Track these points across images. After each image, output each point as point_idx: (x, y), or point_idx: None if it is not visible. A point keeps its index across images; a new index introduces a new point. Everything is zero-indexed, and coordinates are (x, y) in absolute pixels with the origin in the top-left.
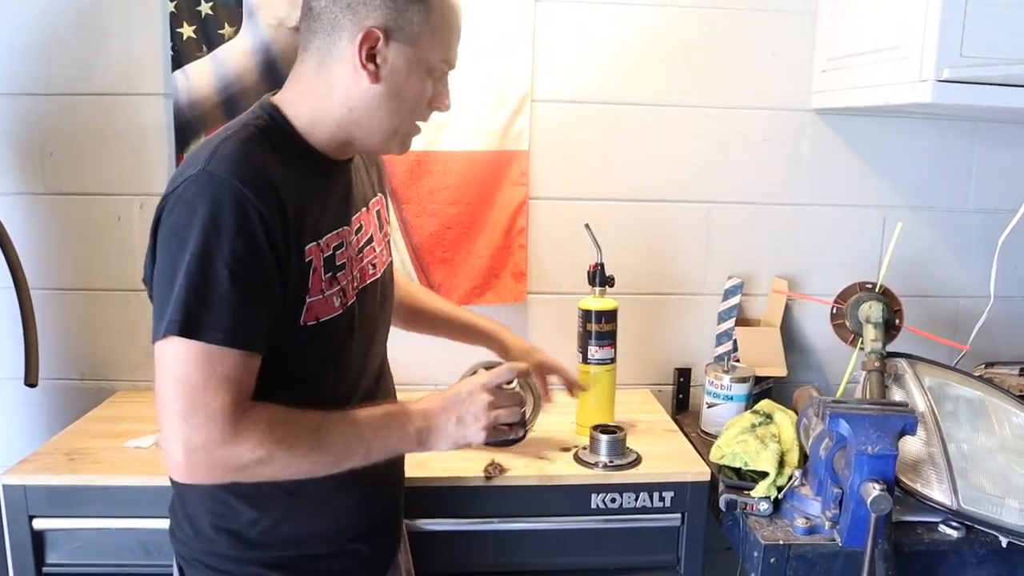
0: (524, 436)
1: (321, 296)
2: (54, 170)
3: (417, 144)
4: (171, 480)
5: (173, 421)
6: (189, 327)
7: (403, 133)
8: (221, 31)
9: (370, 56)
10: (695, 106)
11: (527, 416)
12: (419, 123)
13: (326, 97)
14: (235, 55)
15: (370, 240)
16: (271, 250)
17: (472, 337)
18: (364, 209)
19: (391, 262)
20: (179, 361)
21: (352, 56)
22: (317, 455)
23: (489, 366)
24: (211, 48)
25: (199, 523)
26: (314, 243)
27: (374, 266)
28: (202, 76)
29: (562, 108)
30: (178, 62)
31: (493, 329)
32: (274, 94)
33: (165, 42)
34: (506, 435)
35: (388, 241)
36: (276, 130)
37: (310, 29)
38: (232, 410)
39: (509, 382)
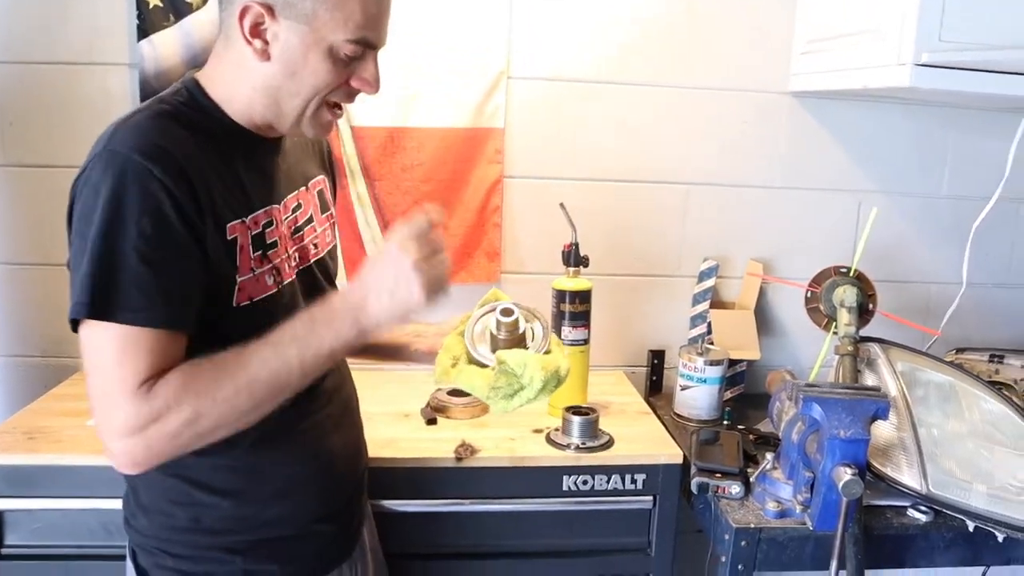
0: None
1: (252, 275)
2: (14, 141)
3: (390, 120)
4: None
5: (99, 410)
6: (97, 308)
7: (311, 113)
8: (189, 1)
9: (257, 32)
10: (673, 86)
11: (536, 339)
12: (343, 105)
13: (235, 74)
14: (203, 25)
15: (310, 220)
16: (183, 223)
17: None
18: (303, 188)
19: (335, 245)
20: (93, 346)
21: (240, 30)
22: (246, 393)
23: (504, 309)
24: (178, 18)
25: (155, 513)
26: (238, 220)
27: (316, 246)
28: (169, 46)
29: (539, 86)
30: (144, 31)
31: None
32: (199, 69)
33: (131, 11)
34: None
35: (333, 223)
36: (194, 106)
37: (219, 3)
38: (143, 386)
39: (508, 315)
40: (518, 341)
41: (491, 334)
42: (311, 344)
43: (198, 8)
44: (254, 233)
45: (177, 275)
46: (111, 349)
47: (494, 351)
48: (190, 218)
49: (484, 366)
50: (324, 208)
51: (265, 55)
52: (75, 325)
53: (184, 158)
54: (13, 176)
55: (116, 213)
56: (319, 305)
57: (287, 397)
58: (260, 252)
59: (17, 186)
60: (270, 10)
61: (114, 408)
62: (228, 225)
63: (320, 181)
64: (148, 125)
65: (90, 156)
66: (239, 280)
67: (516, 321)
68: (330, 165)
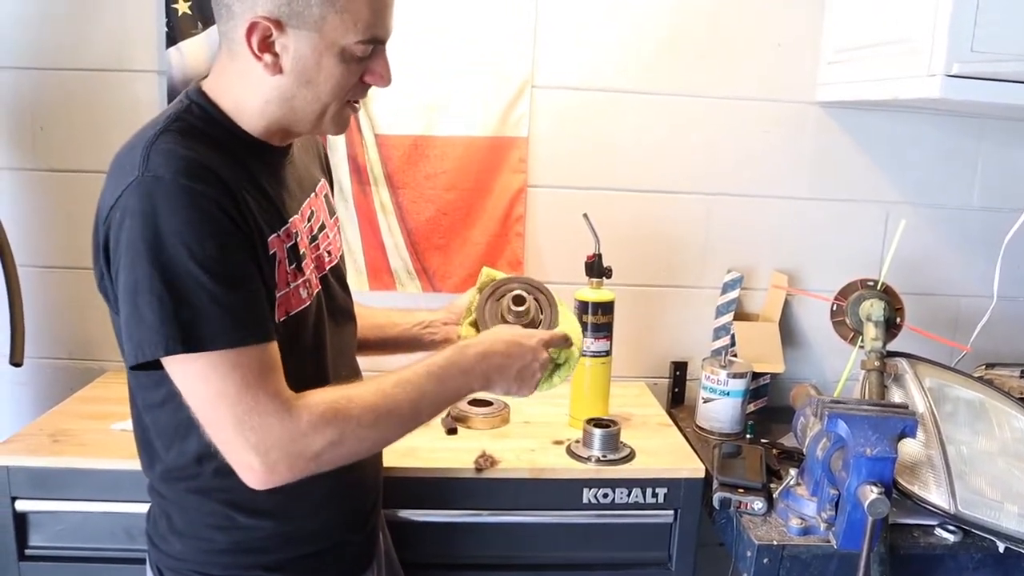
0: None
1: (288, 288)
2: (44, 146)
3: (414, 128)
4: (153, 493)
5: (232, 434)
6: (189, 340)
7: (332, 114)
8: None
9: (265, 47)
10: (698, 96)
11: (543, 325)
12: (357, 99)
13: (242, 86)
14: None
15: (323, 227)
16: (243, 237)
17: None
18: (313, 194)
19: (343, 251)
20: (203, 377)
21: (248, 47)
22: (387, 424)
23: (503, 285)
24: (207, 25)
25: (191, 538)
26: (274, 235)
27: (329, 253)
28: (197, 54)
29: (563, 95)
30: (173, 39)
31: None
32: (204, 80)
33: (160, 18)
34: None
35: (339, 227)
36: (207, 120)
37: (215, 14)
38: (280, 399)
39: (520, 303)
40: (530, 322)
41: (503, 319)
42: (448, 388)
43: None
44: (288, 245)
45: (250, 289)
46: (222, 376)
47: None
48: (246, 232)
49: None
50: (331, 213)
51: (276, 68)
52: (147, 363)
53: (224, 177)
54: (43, 180)
55: (177, 240)
56: (457, 352)
57: (410, 432)
58: (295, 265)
59: (47, 190)
60: (278, 24)
61: (253, 428)
62: (269, 239)
63: (324, 185)
64: (180, 146)
65: (121, 184)
66: (277, 295)
67: (529, 308)
68: (327, 166)
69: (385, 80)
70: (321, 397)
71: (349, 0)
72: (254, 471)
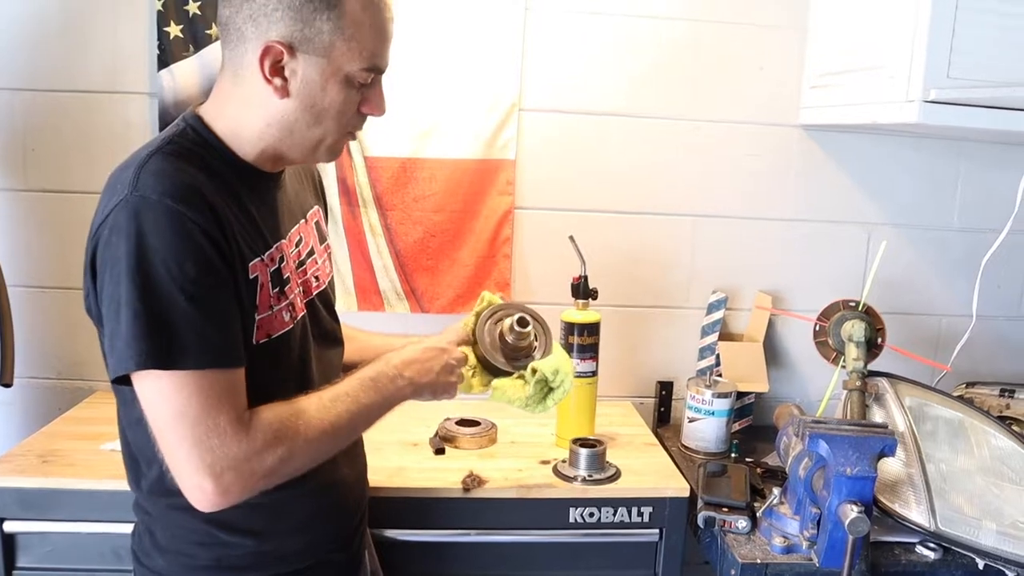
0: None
1: (270, 312)
2: (35, 167)
3: (403, 151)
4: (138, 509)
5: (188, 454)
6: (161, 358)
7: (329, 143)
8: (208, 31)
9: (276, 70)
10: (683, 119)
11: (539, 350)
12: (354, 130)
13: (244, 110)
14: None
15: (311, 252)
16: (223, 263)
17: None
18: (302, 221)
19: (332, 277)
20: (167, 395)
21: (260, 70)
22: (329, 436)
23: (502, 309)
24: (198, 48)
25: (174, 553)
26: (257, 259)
27: (317, 278)
28: (188, 76)
29: (550, 118)
30: (164, 61)
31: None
32: (201, 104)
33: (152, 40)
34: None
35: (329, 253)
36: (201, 144)
37: (223, 39)
38: (239, 423)
39: (524, 326)
40: (527, 346)
41: (501, 340)
42: (382, 397)
43: (217, 39)
44: (272, 270)
45: (225, 313)
46: (187, 395)
47: (505, 357)
48: (227, 257)
49: (505, 372)
50: (322, 239)
51: (285, 92)
52: (126, 376)
53: (211, 200)
54: (33, 201)
55: (159, 259)
56: (383, 362)
57: (351, 441)
58: (278, 289)
59: (37, 210)
60: (290, 48)
61: (211, 449)
62: (250, 264)
63: (316, 212)
64: (170, 168)
65: (111, 202)
66: (258, 318)
67: (531, 331)
68: (322, 193)
69: (380, 109)
70: (274, 414)
71: (357, 29)
72: (204, 492)
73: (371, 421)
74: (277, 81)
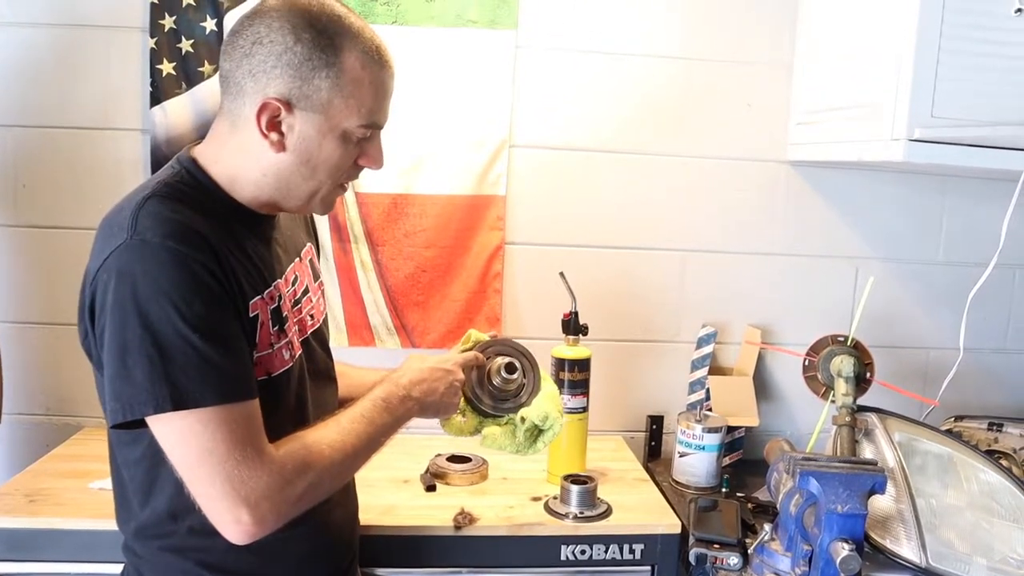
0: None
1: (271, 350)
2: (27, 202)
3: (394, 186)
4: (127, 551)
5: (221, 489)
6: (182, 398)
7: (323, 195)
8: (200, 68)
9: (273, 125)
10: (672, 155)
11: (526, 390)
12: (349, 182)
13: (240, 159)
14: (214, 93)
15: (306, 291)
16: (229, 300)
17: None
18: (297, 259)
19: (326, 315)
20: (193, 433)
21: (256, 125)
22: (351, 458)
23: (490, 347)
24: (190, 85)
25: None
26: (258, 297)
27: (312, 316)
28: (180, 113)
29: (540, 154)
30: (157, 98)
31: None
32: (196, 145)
33: (144, 78)
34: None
35: (323, 291)
36: (197, 187)
37: (222, 89)
38: (266, 452)
39: (512, 372)
40: (517, 386)
41: (488, 381)
42: (395, 416)
43: (209, 76)
44: (272, 308)
45: (235, 348)
46: (212, 432)
47: (492, 399)
48: (230, 295)
49: (493, 415)
50: (315, 277)
51: (281, 147)
52: (131, 422)
53: (211, 238)
54: (24, 236)
55: (166, 301)
56: (391, 383)
57: (369, 460)
58: (277, 327)
59: (27, 246)
60: (288, 104)
61: (243, 481)
62: (251, 302)
63: (309, 250)
64: (167, 210)
65: (108, 247)
66: (257, 356)
67: (518, 376)
68: (313, 230)
69: (378, 163)
70: (299, 443)
71: (355, 87)
72: (242, 524)
73: (383, 441)
74: (273, 136)
